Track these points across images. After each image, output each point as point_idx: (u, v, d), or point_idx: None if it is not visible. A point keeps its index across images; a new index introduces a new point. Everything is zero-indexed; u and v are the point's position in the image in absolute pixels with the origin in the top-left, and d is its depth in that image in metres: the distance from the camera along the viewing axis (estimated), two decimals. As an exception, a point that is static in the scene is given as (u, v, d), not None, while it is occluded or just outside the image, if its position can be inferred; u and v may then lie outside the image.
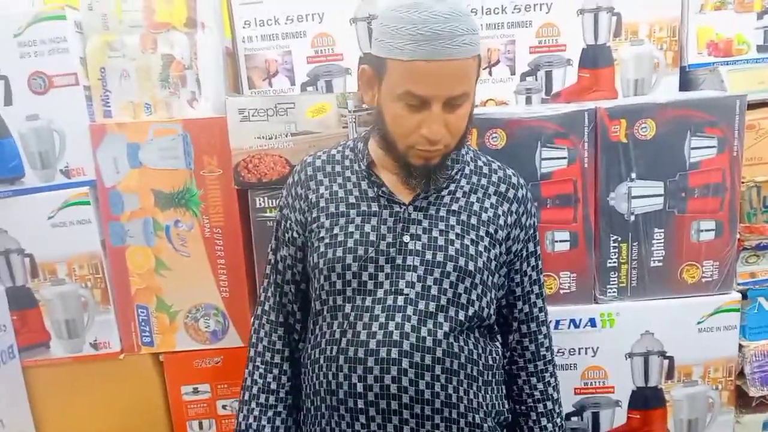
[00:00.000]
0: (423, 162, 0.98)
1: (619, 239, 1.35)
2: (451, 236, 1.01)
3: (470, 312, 1.01)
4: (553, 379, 1.14)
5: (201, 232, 1.39)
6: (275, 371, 1.11)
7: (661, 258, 1.36)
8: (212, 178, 1.37)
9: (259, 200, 1.37)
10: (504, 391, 1.12)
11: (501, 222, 1.05)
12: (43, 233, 1.38)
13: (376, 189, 1.04)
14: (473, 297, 1.01)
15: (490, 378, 1.06)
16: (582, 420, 1.42)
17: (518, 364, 1.13)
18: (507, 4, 1.48)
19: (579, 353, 1.40)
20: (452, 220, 1.02)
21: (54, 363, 1.45)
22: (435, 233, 1.01)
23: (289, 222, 1.09)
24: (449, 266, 0.99)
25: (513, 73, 1.52)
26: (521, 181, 1.11)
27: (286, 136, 1.34)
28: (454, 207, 1.03)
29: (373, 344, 0.96)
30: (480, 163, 1.10)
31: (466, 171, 1.08)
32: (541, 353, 1.13)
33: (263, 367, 1.11)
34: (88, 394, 1.46)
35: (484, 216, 1.04)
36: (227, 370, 1.44)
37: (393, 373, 0.96)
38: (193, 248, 1.40)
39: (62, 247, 1.39)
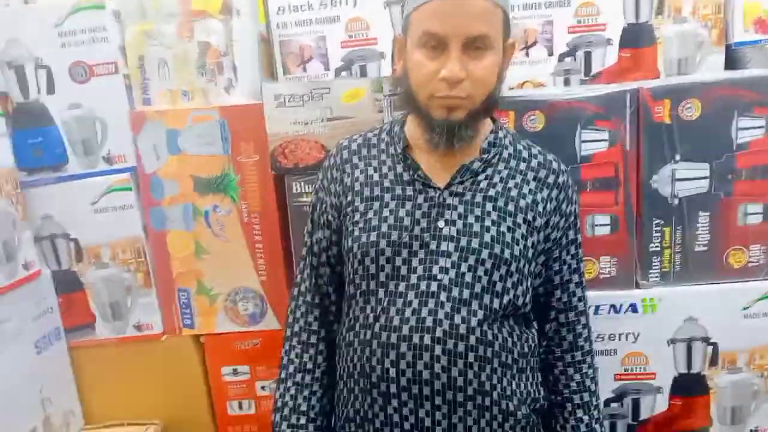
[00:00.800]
0: (445, 114, 0.96)
1: (662, 223, 1.32)
2: (487, 223, 0.99)
3: (505, 300, 1.00)
4: (591, 371, 1.12)
5: (239, 217, 1.41)
6: (311, 351, 1.11)
7: (706, 242, 1.32)
8: (249, 164, 1.39)
9: (296, 185, 1.37)
10: (540, 378, 1.11)
11: (540, 209, 1.03)
12: (87, 218, 1.42)
13: (411, 172, 1.03)
14: (508, 285, 1.00)
15: (524, 365, 1.05)
16: (622, 406, 1.40)
17: (555, 354, 1.12)
18: (554, -16, 1.45)
19: (619, 339, 1.37)
20: (488, 206, 1.00)
21: (99, 344, 1.50)
22: (470, 219, 0.99)
23: (324, 205, 1.10)
24: (484, 253, 0.98)
25: (551, 53, 1.48)
26: (562, 166, 1.09)
27: (322, 121, 1.34)
28: (491, 193, 1.01)
29: (405, 330, 0.96)
30: (519, 147, 1.08)
31: (505, 155, 1.05)
32: (579, 344, 1.11)
33: (300, 347, 1.12)
34: (131, 373, 1.50)
35: (522, 202, 1.02)
36: (266, 352, 1.46)
37: (425, 359, 0.95)
38: (231, 233, 1.42)
39: (106, 231, 1.43)
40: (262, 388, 1.50)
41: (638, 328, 1.36)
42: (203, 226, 1.41)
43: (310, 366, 1.11)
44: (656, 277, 1.35)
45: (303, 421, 1.09)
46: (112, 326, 1.48)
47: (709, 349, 1.36)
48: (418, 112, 1.00)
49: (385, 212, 1.01)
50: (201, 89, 1.40)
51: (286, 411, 1.10)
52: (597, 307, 1.36)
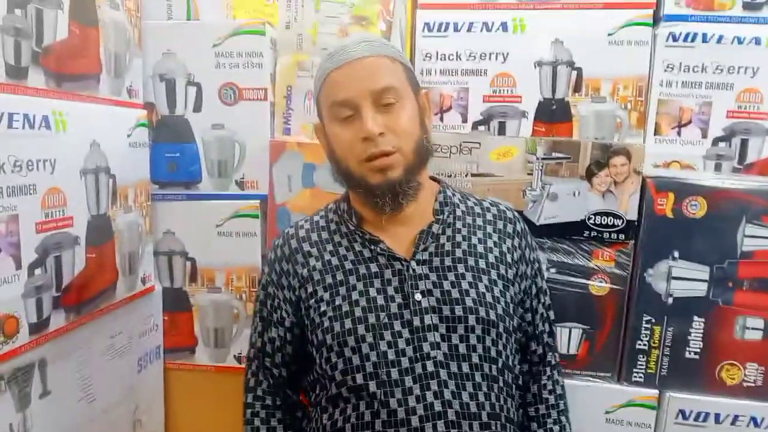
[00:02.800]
0: (381, 177, 0.91)
1: (824, 337, 1.21)
2: (465, 286, 0.92)
3: (500, 364, 0.92)
4: (557, 428, 1.01)
5: (362, 261, 1.36)
6: None
7: None
8: (381, 209, 1.34)
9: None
10: None
11: (509, 260, 0.98)
12: (208, 240, 1.40)
13: (372, 247, 0.95)
14: (500, 347, 0.93)
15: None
16: None
17: (525, 413, 1.03)
18: (708, 63, 1.38)
19: (754, 455, 1.25)
20: (460, 268, 0.94)
21: (196, 368, 1.46)
22: (446, 286, 0.92)
23: (276, 300, 1.01)
24: (471, 319, 0.90)
25: (705, 136, 1.41)
26: (516, 214, 1.05)
27: (466, 176, 1.29)
28: (458, 254, 0.95)
29: (415, 421, 0.86)
30: (470, 203, 1.03)
31: (458, 213, 1.00)
32: (543, 396, 1.03)
33: None
34: (223, 405, 1.44)
35: (491, 257, 0.97)
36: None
37: None
38: (351, 276, 1.36)
39: (224, 255, 1.40)
40: None
41: (778, 447, 1.24)
42: (323, 265, 1.37)
43: None
44: (807, 394, 1.23)
45: None
46: (213, 353, 1.44)
47: None
48: (356, 186, 0.94)
49: (355, 295, 0.92)
50: (343, 126, 1.37)
51: None
52: (736, 417, 1.24)
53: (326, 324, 0.92)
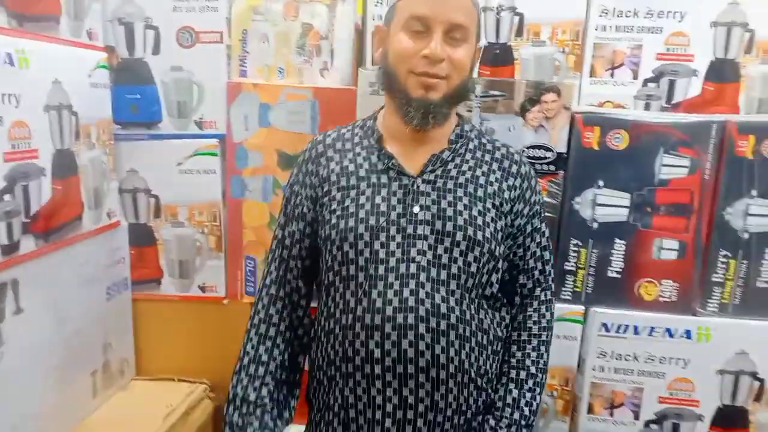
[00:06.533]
0: (422, 92, 1.00)
1: (729, 255, 1.34)
2: (459, 207, 1.03)
3: (478, 280, 1.03)
4: (534, 354, 1.10)
5: (316, 195, 1.45)
6: (268, 343, 1.10)
7: (770, 279, 1.35)
8: (334, 145, 1.43)
9: (376, 172, 1.41)
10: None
11: (506, 196, 1.08)
12: (170, 178, 1.48)
13: (386, 161, 1.06)
14: (480, 265, 1.03)
15: (498, 348, 1.09)
16: (662, 429, 1.43)
17: (510, 337, 1.13)
18: (640, 8, 1.48)
19: (669, 363, 1.40)
20: (459, 192, 1.05)
21: (162, 299, 1.56)
22: (443, 204, 1.03)
23: (299, 197, 1.12)
24: (458, 235, 1.01)
25: (635, 77, 1.51)
26: (524, 158, 1.14)
27: (411, 113, 1.38)
28: (461, 180, 1.06)
29: (389, 311, 0.98)
30: (484, 140, 1.13)
31: (471, 146, 1.10)
32: (527, 325, 1.12)
33: (256, 338, 1.10)
34: (188, 332, 1.56)
35: (490, 189, 1.07)
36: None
37: (410, 338, 0.97)
38: (306, 209, 1.46)
39: (186, 192, 1.49)
40: (312, 363, 1.54)
41: (689, 355, 1.39)
42: (280, 200, 1.45)
43: (264, 358, 1.09)
44: (714, 307, 1.38)
45: (252, 409, 1.07)
46: (178, 284, 1.54)
47: (756, 384, 1.38)
48: (396, 92, 1.03)
49: (362, 199, 1.04)
50: (297, 68, 1.45)
51: (237, 401, 1.08)
52: (652, 329, 1.39)
53: (333, 221, 1.04)
